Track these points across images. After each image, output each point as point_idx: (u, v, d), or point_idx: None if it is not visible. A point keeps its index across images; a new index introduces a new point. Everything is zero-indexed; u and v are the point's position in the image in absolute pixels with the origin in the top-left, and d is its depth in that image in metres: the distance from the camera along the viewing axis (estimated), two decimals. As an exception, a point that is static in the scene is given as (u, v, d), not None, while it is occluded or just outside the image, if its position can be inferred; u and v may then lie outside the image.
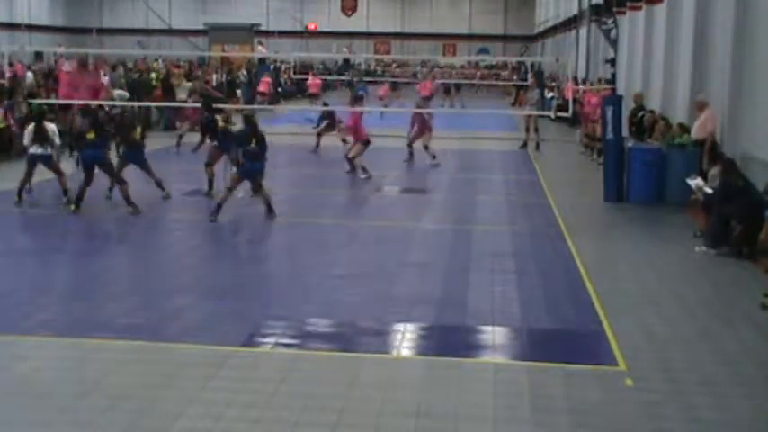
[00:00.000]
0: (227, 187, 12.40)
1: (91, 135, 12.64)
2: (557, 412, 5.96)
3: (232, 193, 12.38)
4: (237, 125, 15.20)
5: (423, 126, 18.43)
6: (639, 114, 18.02)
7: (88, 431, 5.55)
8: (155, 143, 21.25)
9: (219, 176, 13.89)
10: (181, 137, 20.20)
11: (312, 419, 5.73)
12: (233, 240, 11.87)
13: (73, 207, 12.47)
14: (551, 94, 30.35)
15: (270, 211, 12.33)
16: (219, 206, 12.08)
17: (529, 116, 22.08)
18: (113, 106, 18.34)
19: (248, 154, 12.16)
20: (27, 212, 13.07)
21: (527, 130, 22.29)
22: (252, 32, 45.70)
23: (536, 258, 10.52)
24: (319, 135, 20.63)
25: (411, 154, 18.60)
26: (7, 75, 22.74)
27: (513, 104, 36.03)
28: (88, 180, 12.67)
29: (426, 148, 18.43)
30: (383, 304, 8.42)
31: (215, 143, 14.45)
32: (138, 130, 14.11)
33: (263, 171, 12.41)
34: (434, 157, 18.35)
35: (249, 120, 12.64)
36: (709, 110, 13.72)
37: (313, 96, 34.03)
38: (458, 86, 39.52)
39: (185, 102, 23.43)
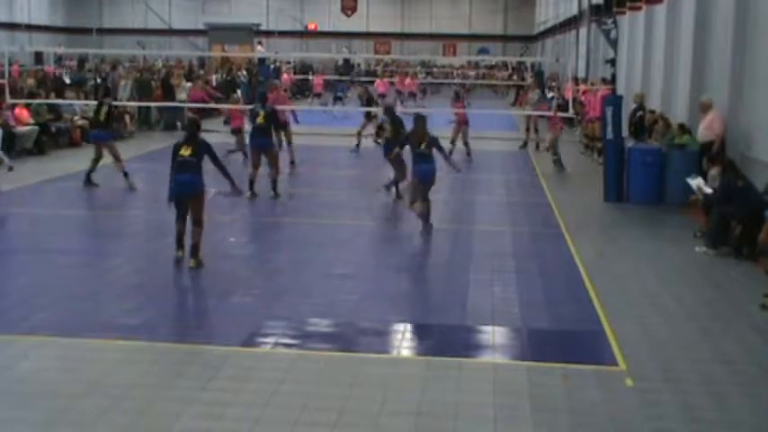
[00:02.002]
0: (411, 200, 11.27)
1: (187, 151, 9.56)
2: (557, 412, 5.96)
3: (423, 204, 11.27)
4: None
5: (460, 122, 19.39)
6: (638, 114, 18.02)
7: (88, 431, 5.55)
8: (155, 143, 21.29)
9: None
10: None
11: (312, 419, 5.73)
12: (233, 240, 11.86)
13: (179, 253, 9.76)
14: (551, 94, 30.34)
15: (426, 222, 11.32)
16: (425, 216, 11.26)
17: (529, 116, 22.09)
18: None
19: (419, 156, 11.22)
20: (29, 212, 13.07)
21: (527, 130, 22.29)
22: (252, 32, 45.71)
23: (536, 258, 10.52)
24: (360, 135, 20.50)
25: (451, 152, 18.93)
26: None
27: (513, 104, 36.07)
28: (182, 217, 9.72)
29: (466, 144, 19.29)
30: (383, 304, 8.42)
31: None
32: (262, 113, 13.98)
33: (434, 176, 11.34)
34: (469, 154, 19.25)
35: (418, 119, 11.58)
36: (715, 111, 13.50)
37: (318, 96, 34.37)
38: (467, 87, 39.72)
39: (185, 102, 23.47)
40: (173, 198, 9.67)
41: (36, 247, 10.81)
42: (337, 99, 32.29)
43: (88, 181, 14.62)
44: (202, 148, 9.67)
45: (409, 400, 6.11)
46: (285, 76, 34.87)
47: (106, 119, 14.68)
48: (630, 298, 8.83)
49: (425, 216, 11.30)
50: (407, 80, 36.94)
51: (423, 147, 11.24)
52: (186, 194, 9.58)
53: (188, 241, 9.69)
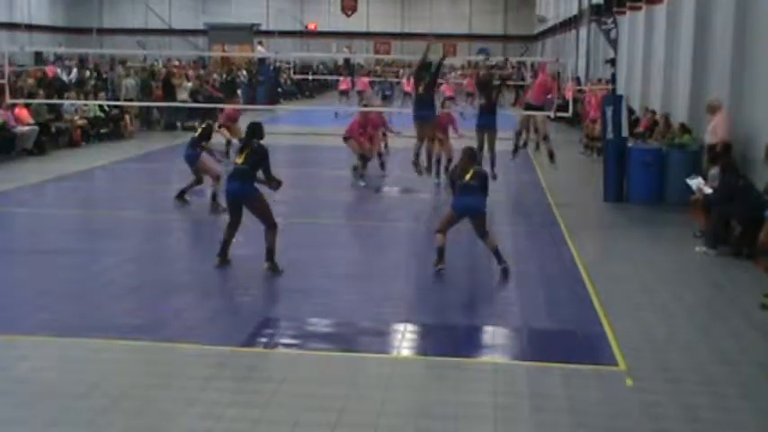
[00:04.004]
0: (438, 228, 9.62)
1: (240, 158, 9.37)
2: (557, 412, 5.96)
3: (444, 237, 9.53)
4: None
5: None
6: (633, 117, 18.02)
7: (88, 431, 5.55)
8: (155, 143, 21.32)
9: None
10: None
11: (312, 419, 5.73)
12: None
13: (217, 260, 9.62)
14: (551, 94, 30.30)
15: (499, 260, 9.47)
16: (440, 250, 9.47)
17: (528, 116, 22.04)
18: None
19: (463, 188, 9.55)
20: (29, 212, 13.07)
21: (527, 130, 22.24)
22: (252, 32, 45.71)
23: (536, 258, 10.52)
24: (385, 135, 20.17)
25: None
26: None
27: (513, 104, 36.05)
28: (232, 224, 9.61)
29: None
30: (383, 304, 8.42)
31: None
32: None
33: (483, 210, 9.60)
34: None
35: (468, 152, 9.81)
36: (721, 114, 13.12)
37: (343, 93, 32.84)
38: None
39: (185, 102, 23.51)
40: (226, 201, 9.72)
41: (36, 247, 10.81)
42: (385, 98, 31.34)
43: (181, 196, 13.26)
44: (256, 155, 9.33)
45: (409, 400, 6.11)
46: (364, 80, 31.70)
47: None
48: (630, 298, 8.83)
49: (440, 252, 9.51)
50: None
51: (468, 178, 9.56)
52: (236, 203, 9.47)
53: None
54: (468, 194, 9.54)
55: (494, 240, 9.61)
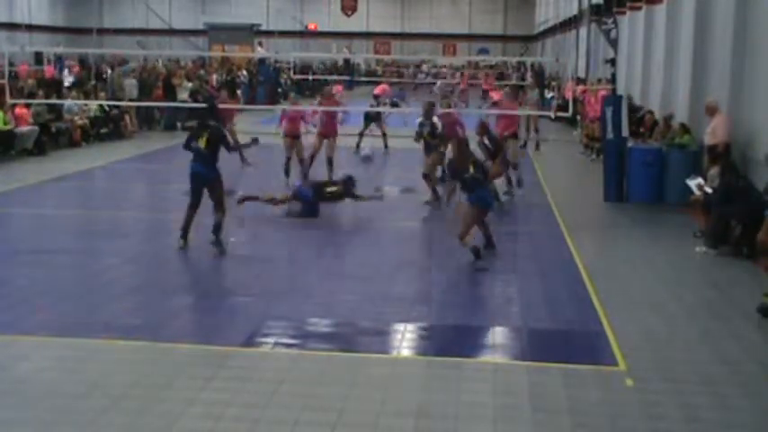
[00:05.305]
0: (464, 232, 9.65)
1: (202, 140, 9.84)
2: (557, 412, 5.96)
3: (471, 237, 9.61)
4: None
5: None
6: (638, 115, 18.00)
7: (88, 431, 5.55)
8: (155, 143, 21.31)
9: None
10: None
11: (312, 419, 5.73)
12: (233, 240, 11.84)
13: (181, 243, 10.15)
14: (551, 94, 30.35)
15: (489, 245, 10.06)
16: (476, 249, 9.59)
17: (528, 116, 22.07)
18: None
19: (474, 182, 9.60)
20: (30, 212, 13.07)
21: (527, 129, 22.26)
22: (252, 32, 45.73)
23: (536, 258, 10.51)
24: (361, 135, 20.44)
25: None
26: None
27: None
28: (193, 203, 10.14)
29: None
30: (383, 304, 8.42)
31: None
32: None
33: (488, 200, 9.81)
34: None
35: (461, 144, 9.88)
36: (720, 115, 13.11)
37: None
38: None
39: (185, 102, 23.50)
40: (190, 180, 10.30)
41: (36, 247, 10.80)
42: (393, 105, 30.25)
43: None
44: (216, 134, 10.06)
45: (409, 400, 6.11)
46: (385, 86, 29.90)
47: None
48: (630, 298, 8.83)
49: (477, 252, 9.64)
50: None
51: (472, 170, 9.72)
52: (195, 182, 10.13)
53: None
54: (482, 188, 9.88)
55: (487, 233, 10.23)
